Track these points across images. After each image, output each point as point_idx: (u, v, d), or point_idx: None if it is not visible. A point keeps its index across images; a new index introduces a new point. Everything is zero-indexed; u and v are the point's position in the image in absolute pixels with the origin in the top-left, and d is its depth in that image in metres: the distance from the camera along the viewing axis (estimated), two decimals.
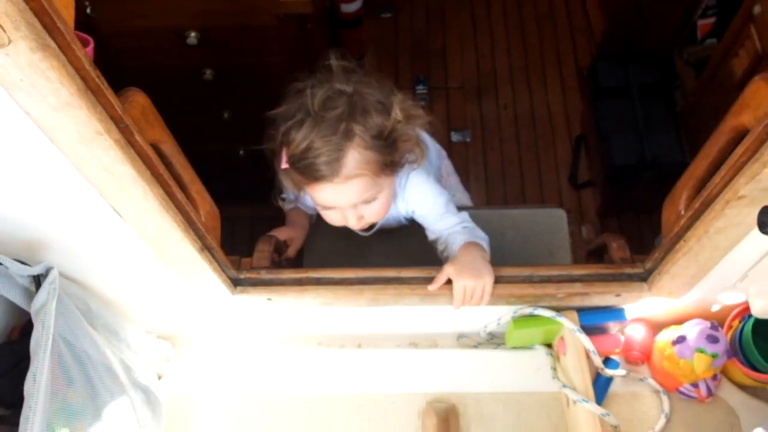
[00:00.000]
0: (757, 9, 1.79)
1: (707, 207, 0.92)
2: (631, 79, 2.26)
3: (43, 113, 0.71)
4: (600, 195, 2.35)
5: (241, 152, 2.14)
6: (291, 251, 1.30)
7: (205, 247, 1.04)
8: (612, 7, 2.43)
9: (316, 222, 1.45)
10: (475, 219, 1.45)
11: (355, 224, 1.21)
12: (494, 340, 1.31)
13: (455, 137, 2.55)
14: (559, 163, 2.52)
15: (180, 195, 0.94)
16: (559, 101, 2.62)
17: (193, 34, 1.71)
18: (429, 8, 2.85)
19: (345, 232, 1.43)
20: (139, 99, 0.87)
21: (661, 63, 2.27)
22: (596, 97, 2.31)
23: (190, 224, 0.98)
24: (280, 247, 1.27)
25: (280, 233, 1.30)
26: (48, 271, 0.96)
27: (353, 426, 1.23)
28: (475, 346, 1.31)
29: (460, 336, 1.33)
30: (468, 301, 1.10)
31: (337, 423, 1.23)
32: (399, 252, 1.44)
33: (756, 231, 0.95)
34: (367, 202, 1.17)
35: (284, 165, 1.14)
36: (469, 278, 1.10)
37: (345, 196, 1.14)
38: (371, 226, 1.34)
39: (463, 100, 2.63)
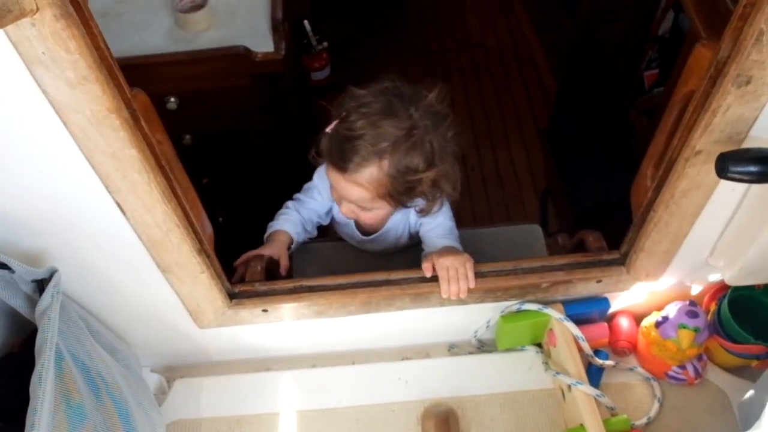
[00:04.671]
0: None
1: (670, 170, 1.00)
2: (590, 130, 2.41)
3: (60, 91, 0.77)
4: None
5: (220, 219, 2.18)
6: (282, 269, 1.34)
7: (203, 252, 1.08)
8: (562, 70, 2.61)
9: (305, 251, 1.50)
10: None
11: (346, 214, 1.29)
12: (485, 348, 1.34)
13: None
14: (528, 217, 2.61)
15: (180, 193, 0.99)
16: (523, 160, 2.75)
17: (172, 99, 1.78)
18: None
19: (335, 260, 1.49)
20: (141, 97, 0.94)
21: (616, 113, 2.43)
22: (558, 149, 2.44)
23: (190, 224, 1.03)
24: (270, 265, 1.32)
25: (265, 250, 1.34)
26: (52, 275, 0.98)
27: None
28: (467, 355, 1.34)
29: (452, 346, 1.36)
30: (453, 279, 1.15)
31: None
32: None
33: (717, 197, 1.04)
34: (362, 208, 1.25)
35: (329, 130, 1.22)
36: (450, 258, 1.18)
37: (346, 193, 1.23)
38: (369, 233, 1.42)
39: None
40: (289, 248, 1.39)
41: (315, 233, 1.50)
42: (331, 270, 1.49)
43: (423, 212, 1.30)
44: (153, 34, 1.77)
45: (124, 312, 1.17)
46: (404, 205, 1.27)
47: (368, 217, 1.29)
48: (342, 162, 1.18)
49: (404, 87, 1.22)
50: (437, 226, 1.35)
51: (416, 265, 1.25)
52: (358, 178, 1.19)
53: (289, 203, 1.46)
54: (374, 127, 1.17)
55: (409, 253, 1.42)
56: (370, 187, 1.20)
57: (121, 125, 0.82)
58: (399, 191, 1.21)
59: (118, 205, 0.94)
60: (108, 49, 0.79)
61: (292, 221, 1.41)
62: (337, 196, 1.29)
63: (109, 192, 0.92)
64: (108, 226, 0.98)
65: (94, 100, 0.79)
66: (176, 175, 1.02)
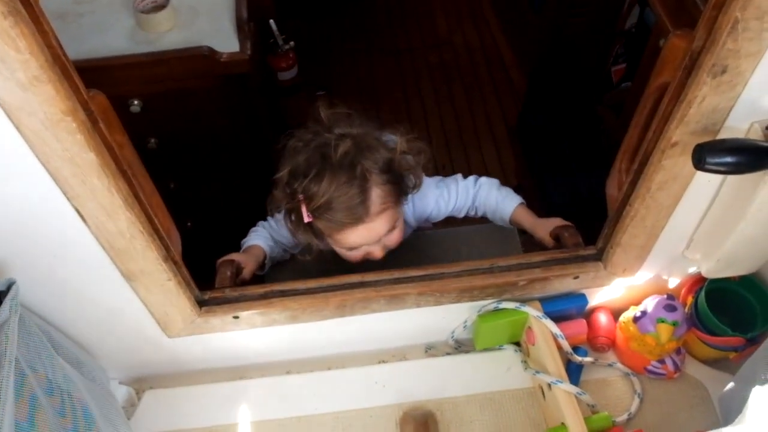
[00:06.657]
0: (662, 42, 1.96)
1: (646, 163, 0.99)
2: (559, 126, 2.40)
3: (12, 92, 0.73)
4: None
5: (189, 224, 2.13)
6: (246, 273, 1.31)
7: (170, 258, 1.04)
8: (530, 67, 2.61)
9: (287, 268, 1.48)
10: (431, 239, 1.50)
11: (380, 255, 1.27)
12: (462, 348, 1.32)
13: None
14: None
15: (143, 198, 0.95)
16: (494, 158, 2.74)
17: (136, 102, 1.73)
18: (362, 88, 2.99)
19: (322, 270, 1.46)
20: (100, 98, 0.90)
21: (585, 108, 2.43)
22: (527, 146, 2.43)
23: (155, 230, 0.99)
24: (240, 272, 1.28)
25: (233, 256, 1.33)
26: (9, 287, 0.93)
27: None
28: (444, 356, 1.31)
29: (428, 347, 1.33)
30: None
31: None
32: None
33: (693, 189, 1.03)
34: (391, 231, 1.24)
35: (307, 219, 1.18)
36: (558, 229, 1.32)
37: (375, 231, 1.21)
38: None
39: None
40: (263, 263, 1.39)
41: (288, 256, 1.49)
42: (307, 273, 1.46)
43: (416, 186, 1.29)
44: (114, 36, 1.73)
45: (89, 323, 1.13)
46: (407, 193, 1.27)
47: (395, 239, 1.28)
48: (356, 214, 1.17)
49: (305, 133, 1.23)
50: (475, 196, 1.44)
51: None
52: (377, 208, 1.18)
53: (262, 223, 1.45)
54: (335, 170, 1.15)
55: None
56: (388, 203, 1.20)
57: (77, 128, 0.78)
58: (397, 183, 1.22)
59: (78, 211, 0.90)
60: (61, 47, 0.75)
61: (264, 237, 1.41)
62: (362, 251, 1.26)
63: (68, 198, 0.88)
64: (68, 235, 0.93)
65: (48, 102, 0.75)
66: (139, 180, 0.98)
